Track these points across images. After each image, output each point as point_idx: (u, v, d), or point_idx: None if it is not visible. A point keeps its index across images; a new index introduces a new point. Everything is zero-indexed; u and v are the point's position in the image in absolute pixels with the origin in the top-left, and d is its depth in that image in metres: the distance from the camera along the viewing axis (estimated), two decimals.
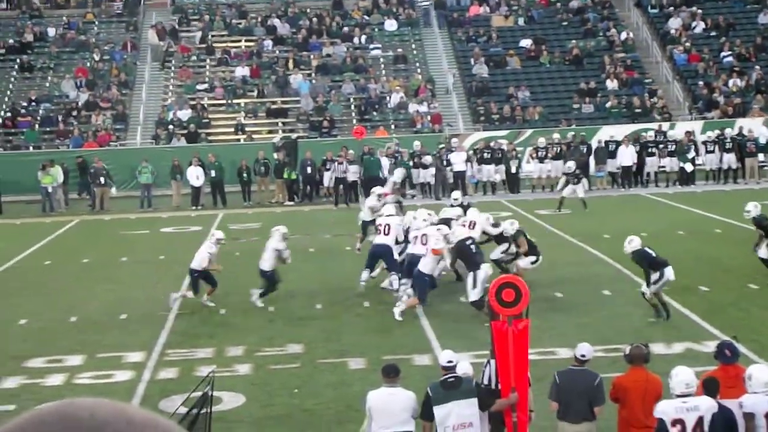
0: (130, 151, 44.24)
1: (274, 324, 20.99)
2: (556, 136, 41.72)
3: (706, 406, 10.74)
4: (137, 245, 31.59)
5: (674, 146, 40.83)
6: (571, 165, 36.11)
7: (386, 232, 22.93)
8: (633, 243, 19.75)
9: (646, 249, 19.71)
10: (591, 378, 12.16)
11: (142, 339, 20.02)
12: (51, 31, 52.90)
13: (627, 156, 40.56)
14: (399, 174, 33.26)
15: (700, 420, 10.68)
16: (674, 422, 10.72)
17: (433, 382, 12.07)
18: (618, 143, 41.03)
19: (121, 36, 53.03)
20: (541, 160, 40.89)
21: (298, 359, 18.36)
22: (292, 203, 40.14)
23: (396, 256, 22.84)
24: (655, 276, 19.52)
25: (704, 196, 36.58)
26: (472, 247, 21.06)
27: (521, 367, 11.71)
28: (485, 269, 20.57)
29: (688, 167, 40.43)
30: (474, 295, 20.26)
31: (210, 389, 11.85)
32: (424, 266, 20.88)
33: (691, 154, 40.56)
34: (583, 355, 12.39)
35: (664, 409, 10.90)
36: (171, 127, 45.99)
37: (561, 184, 36.45)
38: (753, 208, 22.47)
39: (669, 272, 19.54)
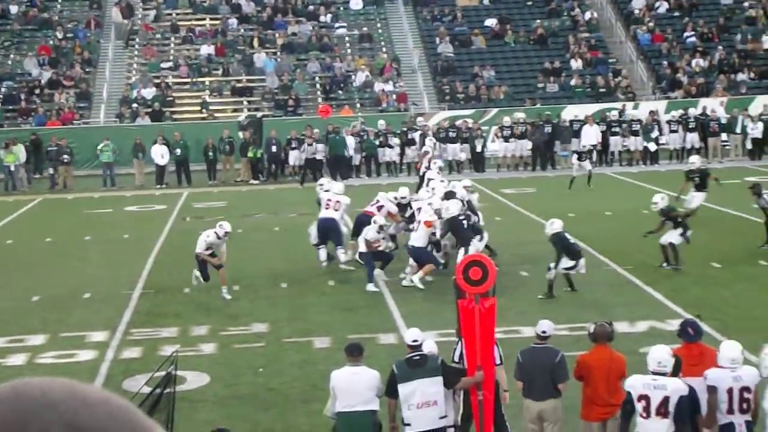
0: (93, 130, 43.89)
1: (239, 303, 20.93)
2: (520, 115, 41.76)
3: (674, 387, 10.80)
4: (101, 224, 31.38)
5: (638, 126, 41.04)
6: (586, 143, 36.31)
7: (336, 208, 23.03)
8: (554, 225, 20.30)
9: (566, 234, 20.20)
10: (552, 354, 12.20)
11: (106, 318, 19.92)
12: (13, 9, 52.21)
13: (591, 135, 40.68)
14: (430, 143, 33.15)
15: (666, 400, 10.73)
16: (640, 397, 10.80)
17: (398, 360, 12.08)
18: (582, 122, 41.17)
19: (85, 14, 52.50)
20: (506, 139, 41.00)
21: (263, 338, 18.33)
22: (257, 182, 40.02)
23: (343, 229, 23.25)
24: (570, 263, 19.96)
25: (668, 175, 36.73)
26: (464, 222, 21.41)
27: (488, 346, 11.73)
28: (475, 245, 20.75)
29: (652, 146, 40.65)
30: None
31: (174, 368, 11.80)
32: (416, 240, 21.29)
33: (655, 134, 40.78)
34: (543, 332, 12.43)
35: (633, 383, 10.99)
36: (135, 105, 45.66)
37: (574, 161, 36.38)
38: (660, 200, 22.54)
39: (582, 264, 20.16)
